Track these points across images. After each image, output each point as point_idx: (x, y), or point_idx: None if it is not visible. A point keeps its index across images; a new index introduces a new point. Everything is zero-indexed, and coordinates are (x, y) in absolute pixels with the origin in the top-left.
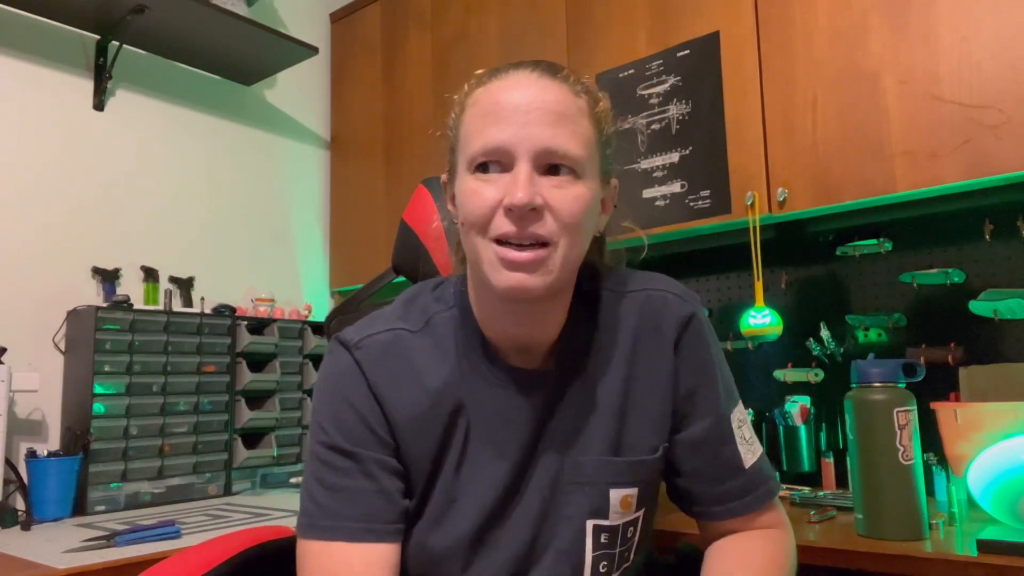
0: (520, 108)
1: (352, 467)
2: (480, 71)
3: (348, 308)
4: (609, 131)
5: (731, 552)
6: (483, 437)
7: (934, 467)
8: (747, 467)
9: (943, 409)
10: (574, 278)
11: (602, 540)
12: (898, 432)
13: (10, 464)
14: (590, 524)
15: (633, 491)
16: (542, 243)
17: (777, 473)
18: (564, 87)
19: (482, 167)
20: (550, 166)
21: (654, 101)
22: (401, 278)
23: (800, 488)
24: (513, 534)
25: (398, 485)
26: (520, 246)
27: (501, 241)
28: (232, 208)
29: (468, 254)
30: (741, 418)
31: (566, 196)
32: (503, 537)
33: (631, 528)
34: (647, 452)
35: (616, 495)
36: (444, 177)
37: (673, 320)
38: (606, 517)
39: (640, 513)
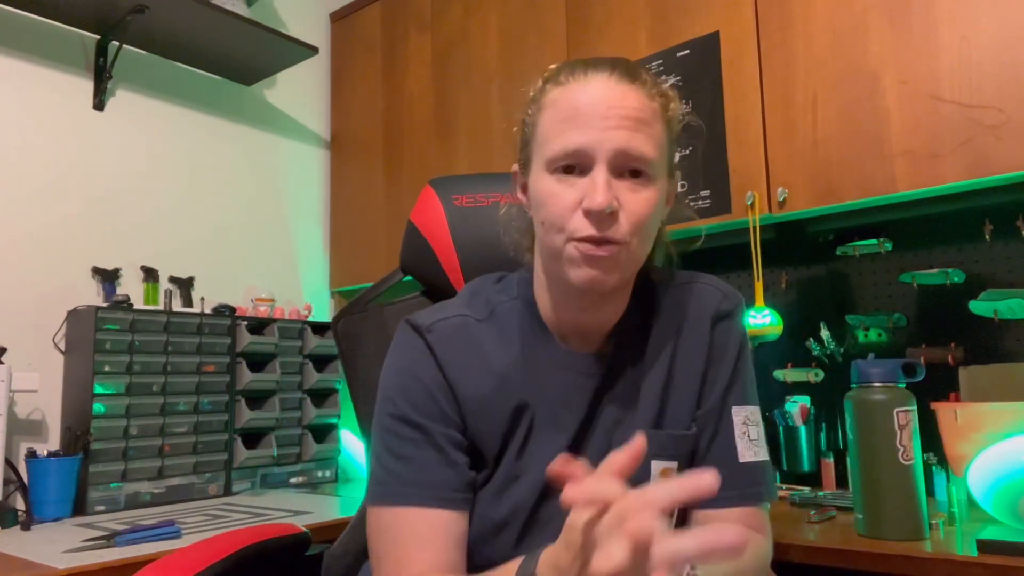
0: (599, 112)
1: (420, 438)
2: (555, 66)
3: (356, 308)
4: (677, 127)
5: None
6: (545, 420)
7: (934, 467)
8: (741, 461)
9: (943, 409)
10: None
11: None
12: (898, 432)
13: (10, 464)
14: None
15: (673, 464)
16: (615, 242)
17: (775, 488)
18: (641, 92)
19: (563, 169)
20: (626, 169)
21: None
22: (408, 277)
23: (800, 488)
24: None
25: (464, 458)
26: (597, 242)
27: (580, 240)
28: (232, 208)
29: (544, 248)
30: (750, 418)
31: (639, 200)
32: (557, 510)
33: None
34: (684, 427)
35: (657, 467)
36: (515, 167)
37: (713, 311)
38: None
39: None
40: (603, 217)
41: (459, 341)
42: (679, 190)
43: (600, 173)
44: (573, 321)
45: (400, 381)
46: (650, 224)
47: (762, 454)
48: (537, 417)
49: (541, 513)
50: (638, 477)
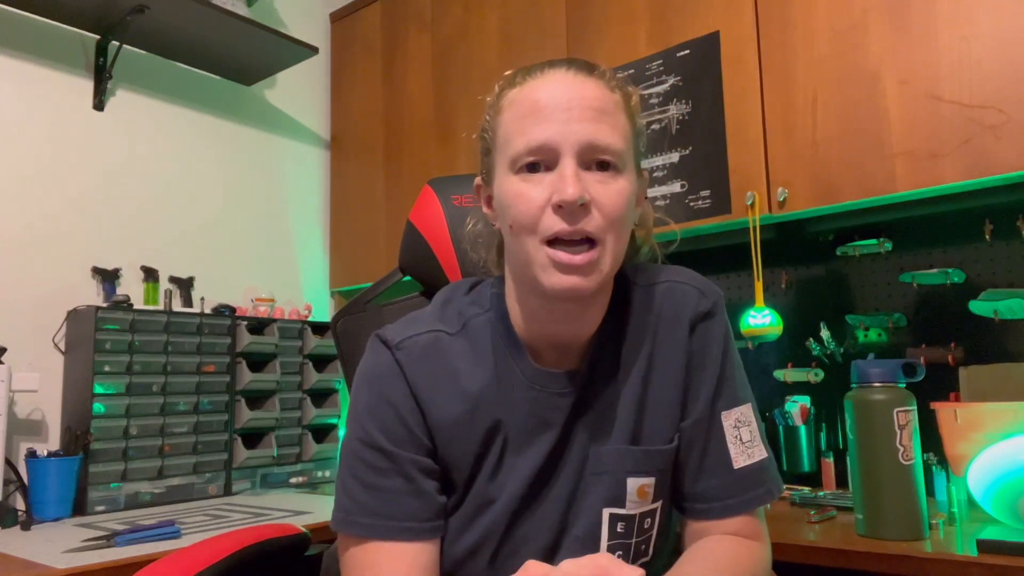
0: (561, 105)
1: (389, 467)
2: (509, 72)
3: (354, 308)
4: (640, 124)
5: (698, 554)
6: (519, 440)
7: (934, 467)
8: (736, 468)
9: (943, 409)
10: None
11: (618, 529)
12: (898, 432)
13: (10, 464)
14: (606, 512)
15: (650, 480)
16: (590, 241)
17: (779, 482)
18: (600, 83)
19: (528, 167)
20: (593, 161)
21: (654, 101)
22: (408, 277)
23: (800, 488)
24: (540, 526)
25: (434, 484)
26: (571, 244)
27: (552, 242)
28: (232, 208)
29: (514, 256)
30: (741, 419)
31: (610, 191)
32: (531, 530)
33: (648, 519)
34: (664, 442)
35: (633, 484)
36: (478, 180)
37: (690, 313)
38: (623, 506)
39: (657, 505)
40: (575, 210)
41: (430, 360)
42: (680, 189)
43: (568, 165)
44: (548, 334)
45: (370, 401)
46: (625, 218)
47: (757, 453)
48: (511, 437)
49: (515, 533)
50: (615, 494)
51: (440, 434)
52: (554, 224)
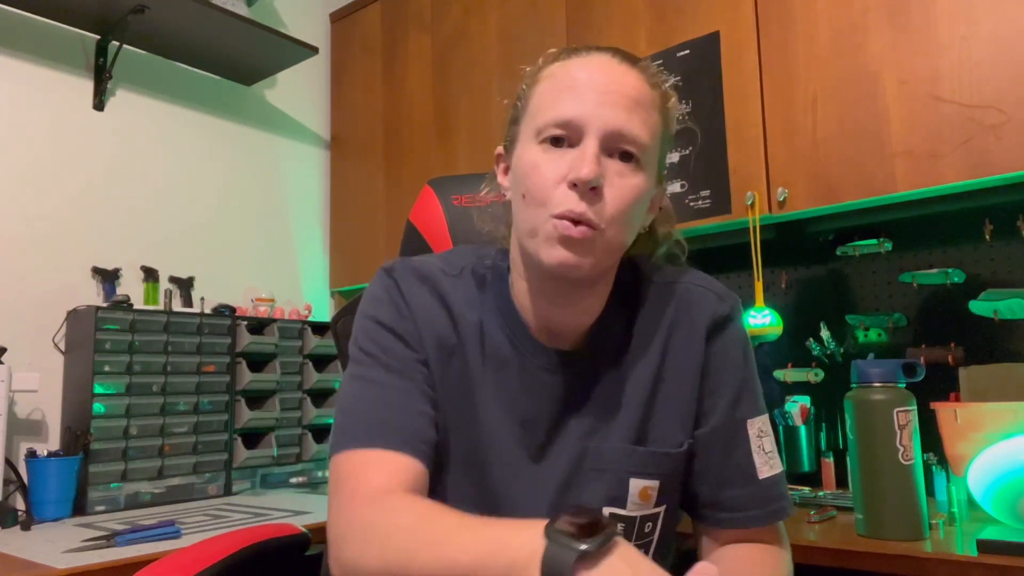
0: (598, 87)
1: (389, 380)
2: (554, 49)
3: (355, 308)
4: (672, 131)
5: (728, 565)
6: (496, 402)
7: (934, 467)
8: (760, 478)
9: (943, 409)
10: (615, 268)
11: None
12: (898, 432)
13: (10, 464)
14: (606, 512)
15: (654, 483)
16: (592, 225)
17: (791, 497)
18: (642, 76)
19: (552, 140)
20: (617, 150)
21: None
22: None
23: (800, 488)
24: (529, 511)
25: (430, 409)
26: (575, 222)
27: (559, 216)
28: (232, 208)
29: (522, 225)
30: (763, 429)
31: (624, 184)
32: (521, 513)
33: (649, 523)
34: (672, 446)
35: (636, 485)
36: (499, 149)
37: (708, 316)
38: (623, 506)
39: (660, 510)
40: (586, 191)
41: (425, 283)
42: (680, 189)
43: (591, 145)
44: (546, 316)
45: (370, 324)
46: (632, 214)
47: (777, 465)
48: (484, 393)
49: (505, 510)
50: (615, 494)
51: (431, 354)
52: (565, 201)
